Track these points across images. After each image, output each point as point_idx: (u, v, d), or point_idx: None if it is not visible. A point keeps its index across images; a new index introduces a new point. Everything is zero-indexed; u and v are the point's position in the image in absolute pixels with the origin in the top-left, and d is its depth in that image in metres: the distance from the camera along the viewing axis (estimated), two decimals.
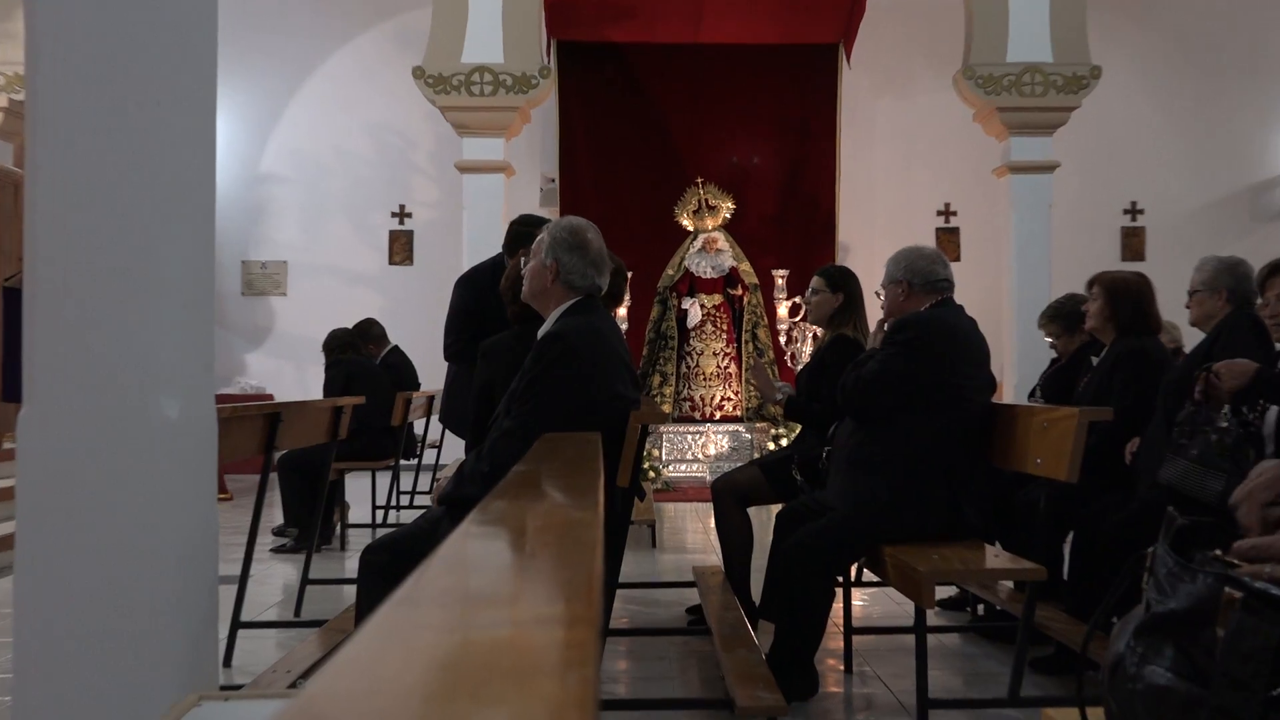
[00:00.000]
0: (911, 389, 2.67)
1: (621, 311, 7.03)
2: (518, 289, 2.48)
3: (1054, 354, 3.99)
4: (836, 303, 3.47)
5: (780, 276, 7.68)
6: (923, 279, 2.85)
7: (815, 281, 3.52)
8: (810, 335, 7.42)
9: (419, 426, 6.60)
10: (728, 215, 7.95)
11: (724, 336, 7.81)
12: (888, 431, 2.68)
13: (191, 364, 1.87)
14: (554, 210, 8.57)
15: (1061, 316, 3.75)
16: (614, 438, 2.24)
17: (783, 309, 7.64)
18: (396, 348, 6.02)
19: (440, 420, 4.14)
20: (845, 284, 3.49)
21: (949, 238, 9.54)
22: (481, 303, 3.70)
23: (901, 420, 2.67)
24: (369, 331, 5.79)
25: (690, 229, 7.99)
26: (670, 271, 7.96)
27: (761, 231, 8.45)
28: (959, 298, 2.90)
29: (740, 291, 7.85)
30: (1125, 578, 0.97)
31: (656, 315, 7.89)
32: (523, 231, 3.66)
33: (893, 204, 9.52)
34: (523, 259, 2.44)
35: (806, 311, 3.54)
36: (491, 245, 3.95)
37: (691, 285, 7.94)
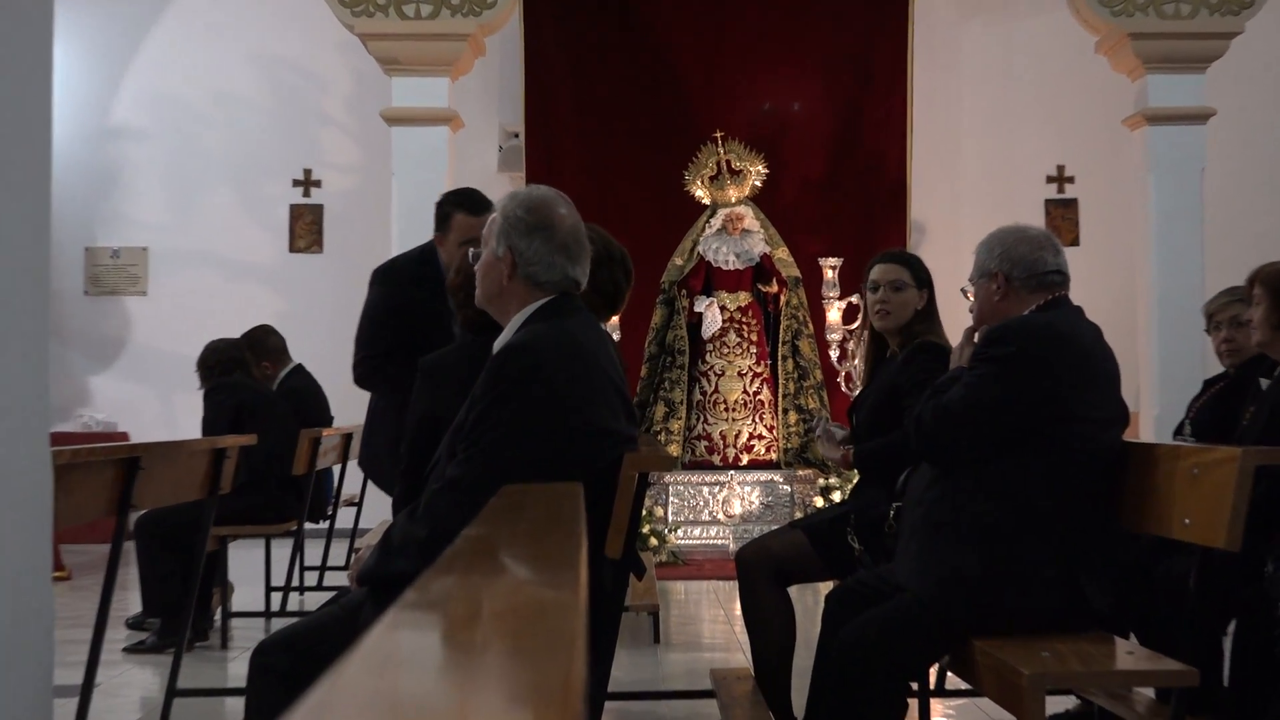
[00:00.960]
0: (1011, 423, 2.71)
1: (613, 318, 7.48)
2: (471, 288, 2.55)
3: (1212, 374, 4.10)
4: (920, 302, 3.57)
5: (831, 268, 7.86)
6: (1026, 271, 2.90)
7: (887, 271, 3.60)
8: (862, 348, 7.75)
9: (332, 476, 6.57)
10: (757, 184, 8.17)
11: (753, 350, 8.01)
12: (978, 481, 2.73)
13: (16, 391, 1.86)
14: (517, 178, 8.81)
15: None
16: (601, 491, 2.27)
17: (834, 311, 7.82)
18: (300, 367, 6.10)
19: (360, 467, 4.13)
20: (928, 277, 3.61)
21: (1063, 213, 9.76)
22: (405, 306, 3.76)
23: (997, 466, 2.72)
24: (263, 344, 5.88)
25: (706, 202, 8.21)
26: (679, 261, 8.20)
27: (805, 206, 8.69)
28: (1077, 296, 2.95)
29: (775, 288, 8.09)
30: None
31: (660, 322, 8.14)
32: (448, 213, 3.78)
33: (985, 168, 9.74)
34: (471, 251, 2.52)
35: (878, 312, 3.62)
36: (430, 225, 4.01)
37: (708, 280, 8.16)
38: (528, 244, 2.32)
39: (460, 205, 3.83)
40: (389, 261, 4.09)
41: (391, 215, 7.72)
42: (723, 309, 8.03)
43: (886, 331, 3.64)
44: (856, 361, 7.75)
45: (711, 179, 8.17)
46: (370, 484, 4.97)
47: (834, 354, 7.87)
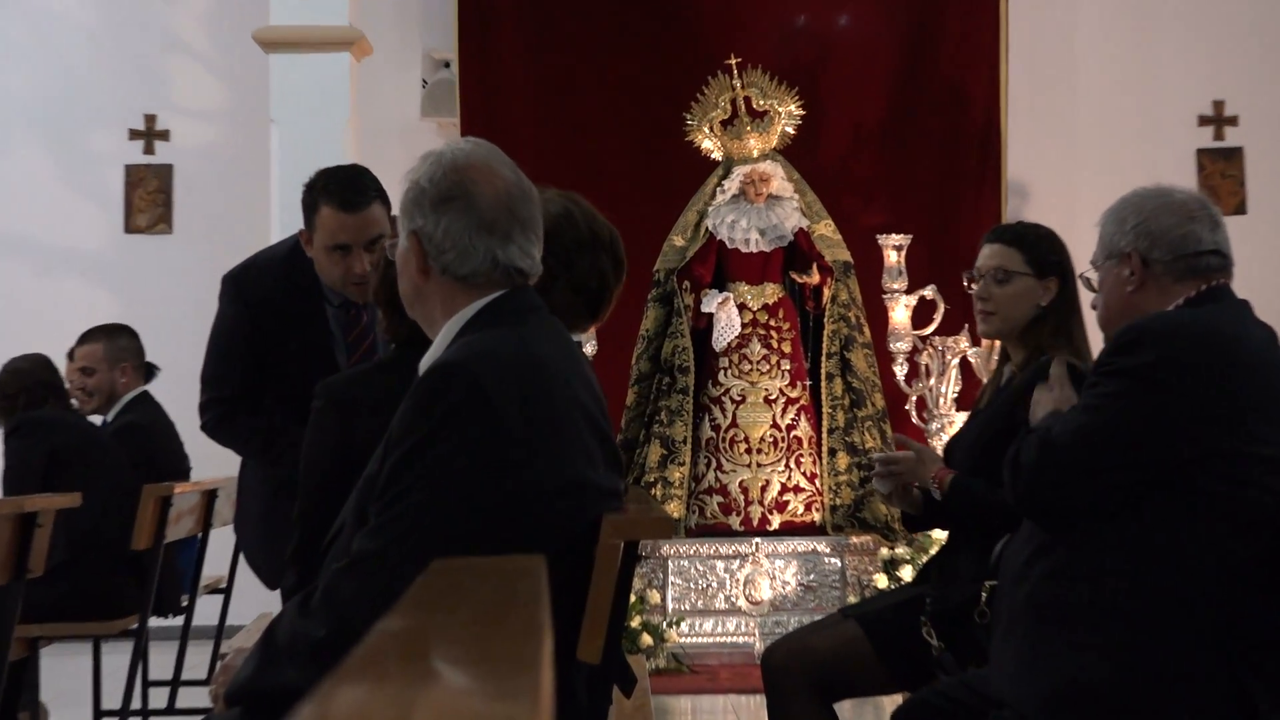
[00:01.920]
0: (1150, 462, 2.73)
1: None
2: (395, 290, 2.63)
3: None
4: (1045, 296, 3.68)
5: (895, 248, 8.12)
6: (1171, 250, 2.93)
7: (989, 256, 3.72)
8: (955, 363, 7.80)
9: (192, 550, 6.40)
10: (789, 130, 8.34)
11: (785, 368, 8.16)
12: (1103, 548, 2.74)
13: None
14: (449, 125, 9.05)
15: None
16: (572, 568, 2.31)
17: (901, 311, 8.05)
18: (145, 396, 6.08)
19: (235, 531, 4.19)
20: (1060, 259, 3.72)
21: (1222, 168, 9.83)
22: (267, 328, 3.76)
23: (1130, 525, 2.73)
24: (114, 347, 5.98)
25: (717, 158, 8.38)
26: (679, 241, 8.39)
27: (857, 161, 8.92)
28: (1242, 287, 2.96)
29: (816, 278, 8.23)
30: None
31: (653, 328, 8.33)
32: (313, 203, 3.78)
33: (1111, 106, 9.81)
34: (387, 242, 2.62)
35: (979, 313, 3.73)
36: None
37: (721, 268, 8.34)
38: (434, 223, 2.41)
39: (328, 194, 3.82)
40: (244, 263, 4.09)
41: (271, 179, 7.78)
42: (741, 308, 8.16)
43: (996, 338, 3.76)
44: (932, 381, 7.85)
45: (724, 124, 8.30)
46: (244, 563, 4.91)
47: (901, 370, 7.95)
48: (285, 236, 4.22)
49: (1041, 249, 3.72)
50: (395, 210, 2.76)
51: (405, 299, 2.48)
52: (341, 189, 3.80)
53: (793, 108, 8.29)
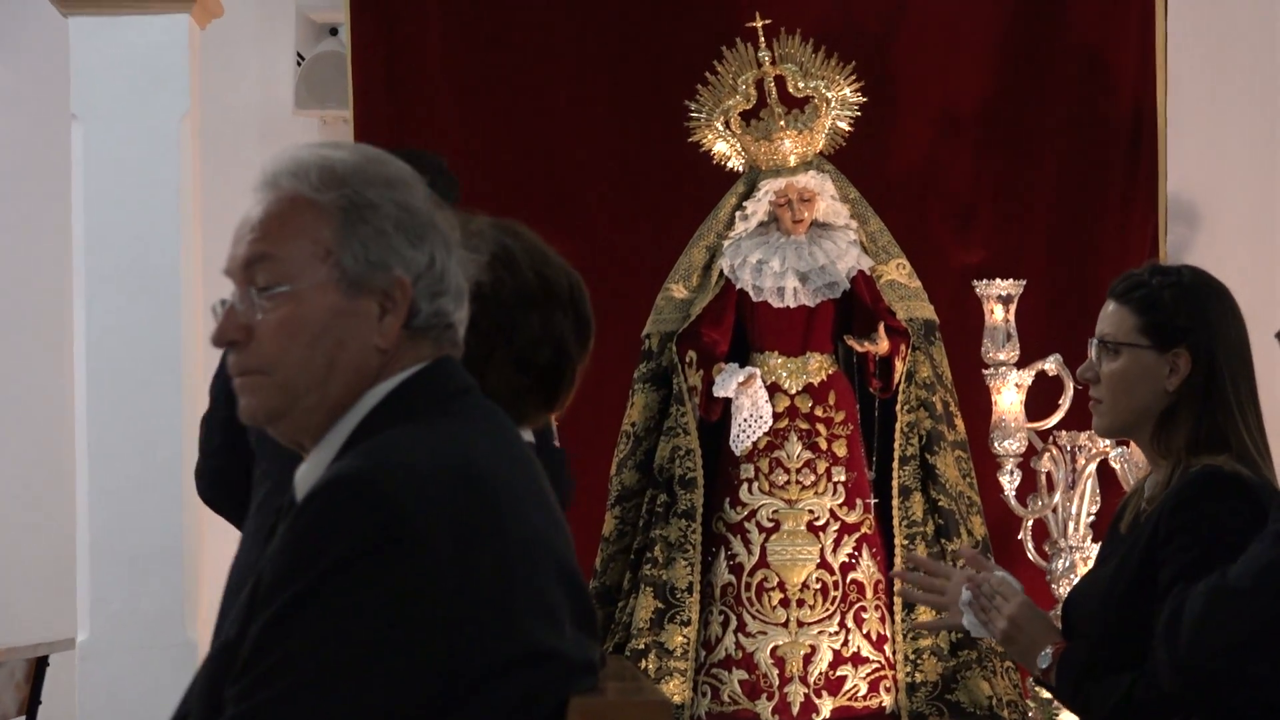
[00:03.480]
0: None
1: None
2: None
3: None
4: (1172, 377, 3.71)
5: (1000, 299, 8.12)
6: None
7: (1104, 321, 3.79)
8: (1090, 471, 7.79)
9: None
10: (842, 125, 8.38)
11: (837, 478, 8.18)
12: None
13: None
14: (335, 121, 9.31)
15: None
16: None
17: (1009, 394, 8.03)
18: None
19: None
20: (1193, 324, 3.72)
21: None
22: None
23: None
24: None
25: (735, 165, 8.45)
26: (680, 292, 8.45)
27: (944, 173, 9.06)
28: None
29: (883, 346, 8.19)
30: None
31: (641, 419, 8.40)
32: None
33: None
34: (215, 303, 2.57)
35: (1092, 399, 3.81)
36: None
37: (741, 329, 8.42)
38: (347, 235, 2.46)
39: None
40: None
41: (73, 186, 7.86)
42: (773, 391, 8.18)
43: (1109, 437, 3.71)
44: (1058, 498, 7.88)
45: (746, 118, 8.34)
46: None
47: (1010, 483, 7.98)
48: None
49: (1166, 307, 3.74)
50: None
51: (296, 377, 2.46)
52: None
53: (847, 92, 8.30)
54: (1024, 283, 8.08)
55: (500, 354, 2.87)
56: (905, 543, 8.06)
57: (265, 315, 2.44)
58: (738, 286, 8.26)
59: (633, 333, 8.35)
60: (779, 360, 8.29)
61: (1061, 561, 7.81)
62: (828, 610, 8.01)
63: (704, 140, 8.38)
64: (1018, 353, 8.03)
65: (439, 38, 9.01)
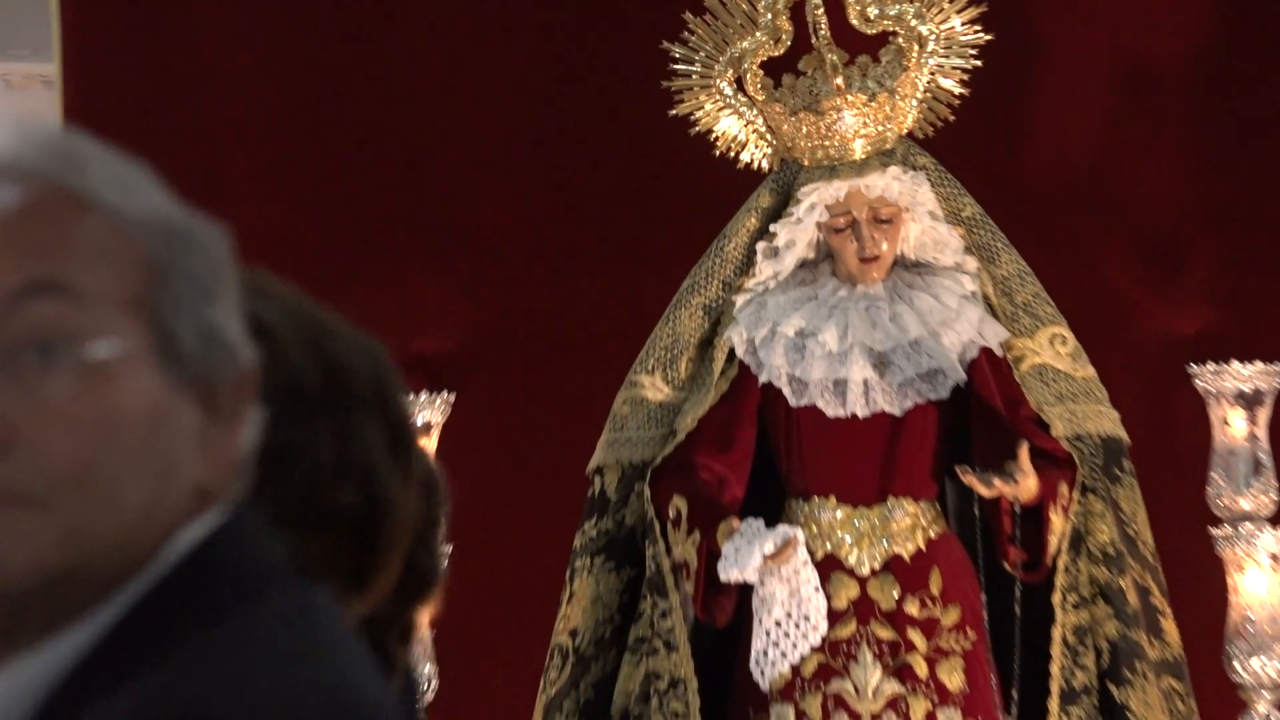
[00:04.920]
0: None
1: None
2: None
3: None
4: None
5: (1235, 397, 6.95)
6: None
7: None
8: None
9: None
10: (950, 84, 6.91)
11: None
12: None
13: None
14: (32, 82, 9.21)
15: None
16: None
17: (1260, 575, 7.03)
18: None
19: None
20: None
21: None
22: None
23: None
24: None
25: (759, 158, 6.99)
26: (656, 390, 7.01)
27: (1121, 172, 7.92)
28: None
29: (1031, 487, 6.37)
30: None
31: (589, 622, 7.03)
32: None
33: None
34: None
35: None
36: None
37: (766, 461, 6.85)
38: (168, 276, 1.88)
39: None
40: None
41: None
42: (827, 570, 6.55)
43: None
44: None
45: (773, 75, 6.80)
46: None
47: None
48: None
49: None
50: None
51: (99, 516, 1.77)
52: None
53: (957, 24, 6.64)
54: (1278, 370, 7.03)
55: (266, 500, 2.01)
56: None
57: (49, 396, 1.77)
58: (761, 379, 6.56)
59: (572, 467, 6.92)
60: (840, 514, 6.61)
61: None
62: None
63: (699, 113, 6.75)
64: (1276, 495, 6.76)
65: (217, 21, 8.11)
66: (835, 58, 6.48)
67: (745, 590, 6.40)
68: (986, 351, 6.41)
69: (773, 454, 6.63)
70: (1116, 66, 7.85)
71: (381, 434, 2.33)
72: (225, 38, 8.05)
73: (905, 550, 6.51)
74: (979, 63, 6.69)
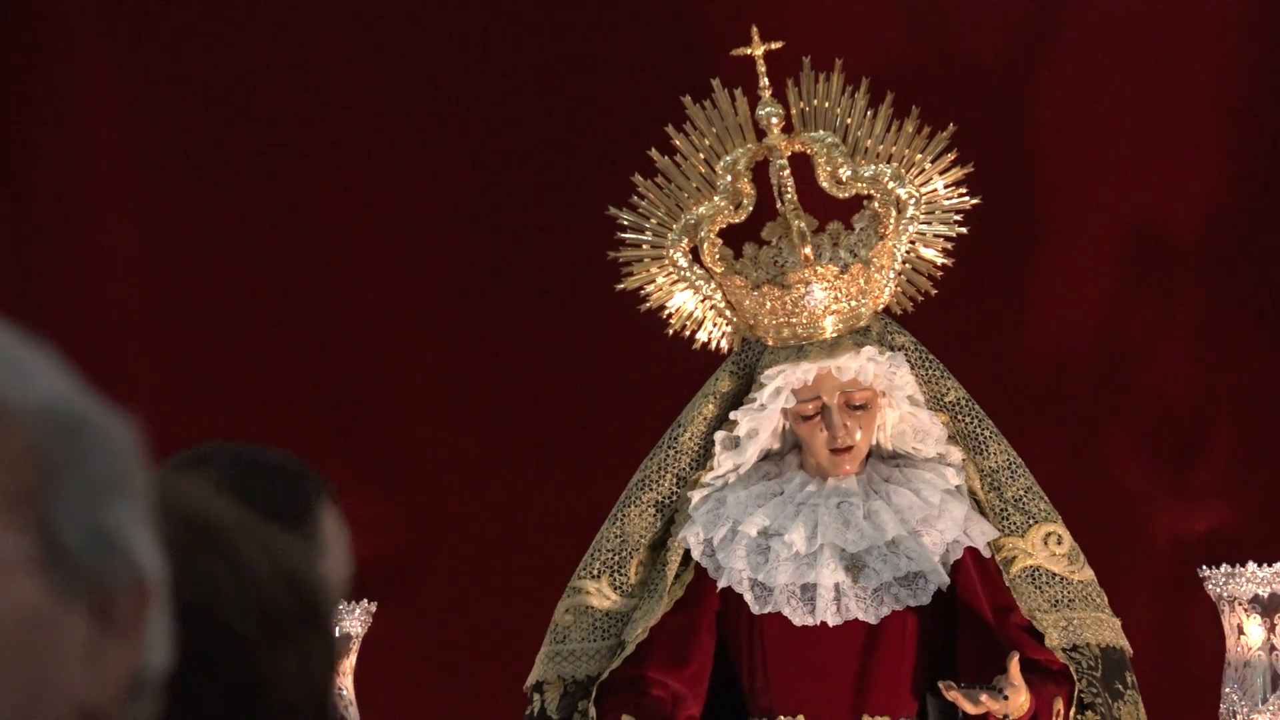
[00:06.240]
0: None
1: None
2: None
3: None
4: None
5: (1250, 603, 7.08)
6: None
7: None
8: None
9: None
10: (933, 254, 6.96)
11: None
12: None
13: None
14: None
15: None
16: None
17: None
18: None
19: None
20: None
21: None
22: None
23: None
24: None
25: (717, 337, 7.13)
26: (600, 599, 7.09)
27: (1126, 348, 8.11)
28: None
29: (1015, 704, 6.46)
30: None
31: None
32: None
33: None
34: None
35: None
36: None
37: (725, 675, 6.85)
38: (57, 473, 1.73)
39: None
40: None
41: None
42: None
43: None
44: None
45: (732, 244, 6.84)
46: None
47: None
48: None
49: None
50: None
51: None
52: None
53: (939, 185, 6.65)
54: None
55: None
56: None
57: None
58: (720, 583, 6.59)
59: (508, 683, 6.92)
60: None
61: None
62: None
63: (649, 287, 6.78)
64: None
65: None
66: (803, 224, 6.37)
67: None
68: (973, 552, 6.35)
69: (733, 668, 6.54)
70: (1127, 234, 7.79)
71: (320, 652, 2.13)
72: (119, 216, 8.02)
73: None
74: (964, 230, 6.56)
